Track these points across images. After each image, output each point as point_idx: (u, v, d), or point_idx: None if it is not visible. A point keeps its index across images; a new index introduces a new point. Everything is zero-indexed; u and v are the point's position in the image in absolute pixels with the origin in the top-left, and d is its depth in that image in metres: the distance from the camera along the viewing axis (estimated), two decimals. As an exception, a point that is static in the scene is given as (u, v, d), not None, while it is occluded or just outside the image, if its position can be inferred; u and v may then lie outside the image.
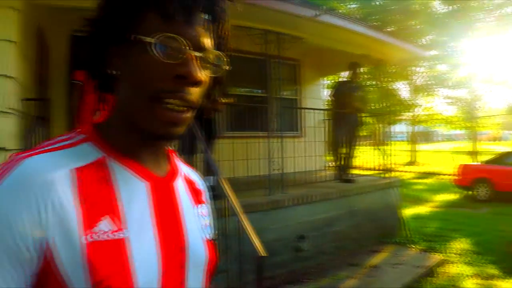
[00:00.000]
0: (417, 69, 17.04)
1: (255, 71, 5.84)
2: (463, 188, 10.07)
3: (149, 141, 0.66)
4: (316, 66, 7.65)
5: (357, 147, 6.40)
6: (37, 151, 0.59)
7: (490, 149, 20.85)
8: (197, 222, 0.72)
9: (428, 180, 13.65)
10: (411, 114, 18.97)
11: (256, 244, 2.69)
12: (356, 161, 6.81)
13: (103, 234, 0.56)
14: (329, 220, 4.95)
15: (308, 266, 4.55)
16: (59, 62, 5.12)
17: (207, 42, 0.62)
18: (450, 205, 9.04)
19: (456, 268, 4.58)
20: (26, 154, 0.57)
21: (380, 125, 7.20)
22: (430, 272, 4.38)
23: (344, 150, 6.06)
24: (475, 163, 12.15)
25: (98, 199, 0.58)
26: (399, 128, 33.99)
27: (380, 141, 6.67)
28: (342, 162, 6.09)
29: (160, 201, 0.65)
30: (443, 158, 19.85)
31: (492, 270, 4.48)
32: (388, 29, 15.48)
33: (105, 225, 0.57)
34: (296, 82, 7.48)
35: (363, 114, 6.90)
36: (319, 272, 4.42)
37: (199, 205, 0.76)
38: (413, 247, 5.26)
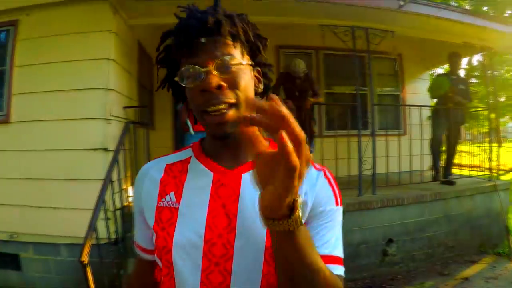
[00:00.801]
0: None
1: (349, 69, 5.75)
2: None
3: (223, 142, 0.86)
4: (418, 59, 7.21)
5: (461, 145, 5.90)
6: (160, 156, 0.96)
7: None
8: None
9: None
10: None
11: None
12: (461, 161, 6.27)
13: (166, 203, 0.86)
14: (421, 224, 4.68)
15: (394, 271, 4.38)
16: (162, 71, 5.72)
17: (221, 54, 0.80)
18: None
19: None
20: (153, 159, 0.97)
21: (496, 121, 6.48)
22: (528, 291, 3.88)
23: (444, 149, 5.64)
24: None
25: (172, 182, 0.88)
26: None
27: (495, 138, 6.03)
28: (442, 162, 5.67)
29: (221, 188, 0.84)
30: None
31: None
32: (506, 12, 13.77)
33: (169, 198, 0.87)
34: (398, 77, 7.16)
35: (472, 109, 6.33)
36: (405, 279, 4.22)
37: None
38: (516, 260, 4.68)
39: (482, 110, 7.20)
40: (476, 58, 9.81)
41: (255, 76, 0.90)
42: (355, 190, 4.59)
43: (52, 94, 3.90)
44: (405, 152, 5.11)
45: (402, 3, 4.45)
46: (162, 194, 0.87)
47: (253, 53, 0.89)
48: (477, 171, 6.00)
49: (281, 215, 0.59)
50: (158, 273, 0.93)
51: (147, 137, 4.21)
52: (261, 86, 0.92)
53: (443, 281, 4.08)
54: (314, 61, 6.51)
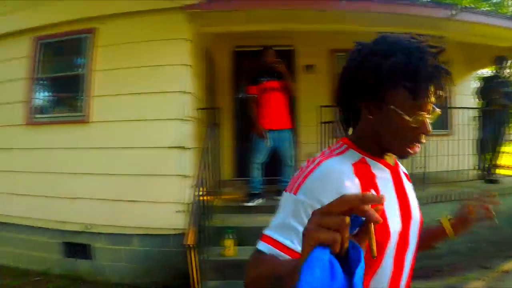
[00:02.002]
0: None
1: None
2: None
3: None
4: (465, 62, 7.31)
5: (507, 146, 6.08)
6: (327, 156, 0.98)
7: None
8: (413, 194, 1.09)
9: None
10: None
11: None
12: (505, 161, 6.42)
13: None
14: (466, 220, 4.88)
15: (439, 264, 4.59)
16: (224, 74, 6.09)
17: (435, 107, 0.95)
18: None
19: None
20: (321, 158, 0.96)
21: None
22: None
23: (489, 149, 5.82)
24: None
25: (366, 180, 0.95)
26: None
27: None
28: (487, 162, 5.87)
29: (396, 182, 1.03)
30: None
31: None
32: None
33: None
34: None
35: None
36: (449, 270, 4.45)
37: (410, 184, 1.11)
38: (554, 256, 4.80)
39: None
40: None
41: None
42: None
43: (131, 96, 4.26)
44: (452, 151, 5.32)
45: (453, 12, 4.68)
46: (364, 191, 0.93)
47: None
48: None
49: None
50: None
51: (218, 136, 4.53)
52: None
53: (484, 274, 4.28)
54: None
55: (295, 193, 0.90)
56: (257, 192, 4.70)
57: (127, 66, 4.28)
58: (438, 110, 0.96)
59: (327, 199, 0.77)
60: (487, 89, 5.78)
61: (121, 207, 4.24)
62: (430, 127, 0.93)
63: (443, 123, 7.00)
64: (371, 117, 0.97)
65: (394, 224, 0.96)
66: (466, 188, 5.02)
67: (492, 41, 5.75)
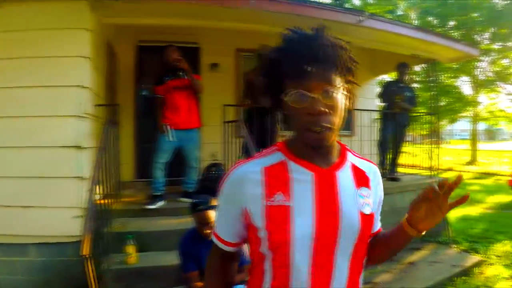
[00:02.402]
0: (479, 64, 16.12)
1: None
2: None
3: (316, 149, 0.99)
4: (368, 66, 7.73)
5: (406, 146, 6.49)
6: (248, 160, 1.06)
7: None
8: (355, 199, 1.02)
9: (486, 181, 12.99)
10: (472, 111, 17.76)
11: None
12: (406, 160, 6.87)
13: (276, 201, 0.96)
14: (370, 216, 5.12)
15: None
16: (126, 70, 5.77)
17: (326, 82, 0.92)
18: (502, 207, 8.70)
19: (493, 270, 4.57)
20: (241, 162, 1.05)
21: (438, 123, 7.11)
22: (466, 272, 4.42)
23: (390, 149, 6.18)
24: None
25: (276, 183, 0.98)
26: (463, 126, 32.20)
27: (436, 139, 6.66)
28: (388, 161, 6.22)
29: (322, 184, 0.99)
30: (506, 158, 18.74)
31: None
32: (449, 24, 14.96)
33: (278, 197, 0.97)
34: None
35: (416, 113, 6.92)
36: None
37: (361, 188, 1.05)
38: (455, 247, 5.28)
39: (425, 114, 7.91)
40: (420, 66, 10.62)
41: (345, 95, 1.00)
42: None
43: (23, 89, 3.84)
44: (358, 152, 5.57)
45: (361, 18, 4.87)
46: (269, 195, 0.97)
47: (346, 73, 0.98)
48: (419, 169, 6.67)
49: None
50: (258, 264, 1.04)
51: (117, 135, 4.28)
52: (350, 103, 1.03)
53: (391, 266, 4.50)
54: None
55: (219, 194, 1.06)
56: (159, 194, 4.52)
57: (21, 56, 3.84)
58: (332, 88, 0.93)
59: (236, 200, 1.02)
60: (389, 93, 6.14)
61: (13, 213, 3.82)
62: (319, 106, 0.91)
63: (346, 125, 7.33)
64: (285, 113, 0.99)
65: (302, 227, 0.95)
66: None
67: (396, 49, 6.14)
